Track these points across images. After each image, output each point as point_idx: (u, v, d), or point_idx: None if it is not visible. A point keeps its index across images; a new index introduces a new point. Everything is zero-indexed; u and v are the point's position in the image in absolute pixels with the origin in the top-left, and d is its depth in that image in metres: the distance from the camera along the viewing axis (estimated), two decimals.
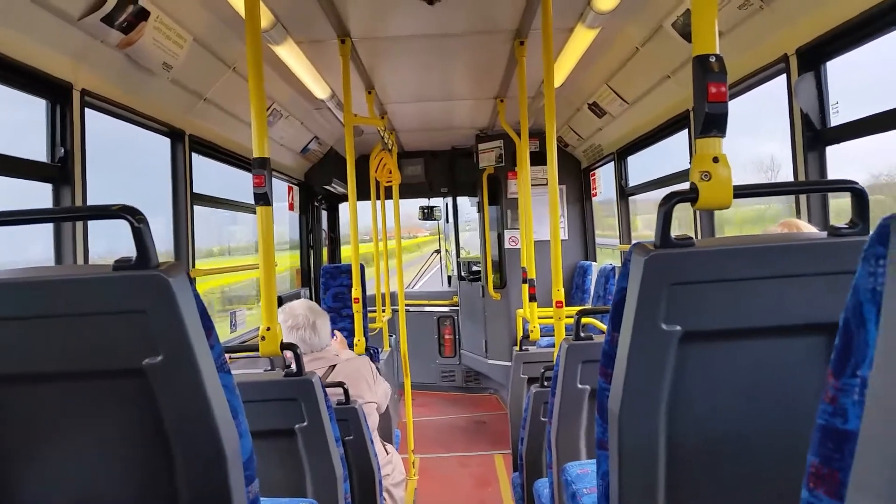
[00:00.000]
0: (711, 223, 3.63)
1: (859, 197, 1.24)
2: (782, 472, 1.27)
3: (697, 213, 3.59)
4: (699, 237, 3.61)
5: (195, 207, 3.72)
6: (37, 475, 1.17)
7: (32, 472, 1.17)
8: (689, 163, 3.76)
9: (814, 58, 2.54)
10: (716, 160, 1.33)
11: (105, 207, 1.14)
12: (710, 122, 1.33)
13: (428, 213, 8.03)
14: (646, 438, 1.24)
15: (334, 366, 2.79)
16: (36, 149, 2.53)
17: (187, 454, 1.14)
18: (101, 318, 1.10)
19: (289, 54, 3.61)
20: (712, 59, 1.34)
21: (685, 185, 1.38)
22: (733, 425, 1.27)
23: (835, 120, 2.54)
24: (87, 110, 2.66)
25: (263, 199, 2.18)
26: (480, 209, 6.90)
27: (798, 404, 1.26)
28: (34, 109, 2.56)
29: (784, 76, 2.66)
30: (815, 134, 2.58)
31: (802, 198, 2.64)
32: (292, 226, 6.69)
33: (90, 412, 1.16)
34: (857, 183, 1.25)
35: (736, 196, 1.33)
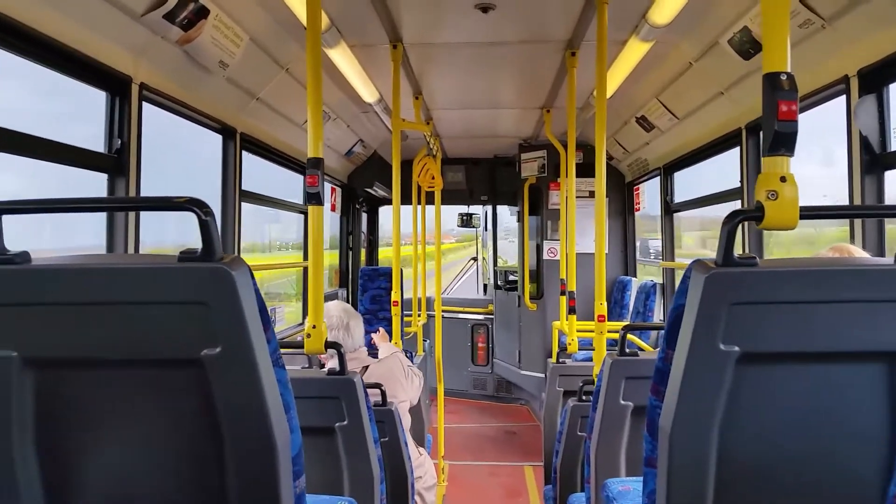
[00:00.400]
0: (760, 244, 3.56)
1: None
2: (834, 496, 1.23)
3: (746, 232, 3.52)
4: None
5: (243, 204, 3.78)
6: (90, 459, 1.19)
7: (87, 456, 1.19)
8: (739, 181, 3.68)
9: (876, 80, 2.48)
10: (783, 179, 1.30)
11: (173, 199, 1.16)
12: (779, 140, 1.30)
13: (467, 221, 8.04)
14: (696, 458, 1.22)
15: (367, 367, 2.80)
16: (78, 139, 2.60)
17: (238, 446, 1.14)
18: (164, 308, 1.12)
19: (341, 58, 3.65)
20: (783, 77, 1.31)
21: (734, 204, 1.35)
22: (786, 449, 1.23)
23: (895, 144, 2.47)
24: (144, 104, 2.73)
25: (316, 198, 2.20)
26: (520, 218, 6.87)
27: (854, 432, 1.22)
28: (80, 100, 2.62)
29: (844, 97, 2.59)
30: (873, 157, 2.50)
31: (857, 222, 2.57)
32: (332, 226, 6.76)
33: (146, 400, 1.18)
34: None
35: (802, 217, 1.29)
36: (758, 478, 1.25)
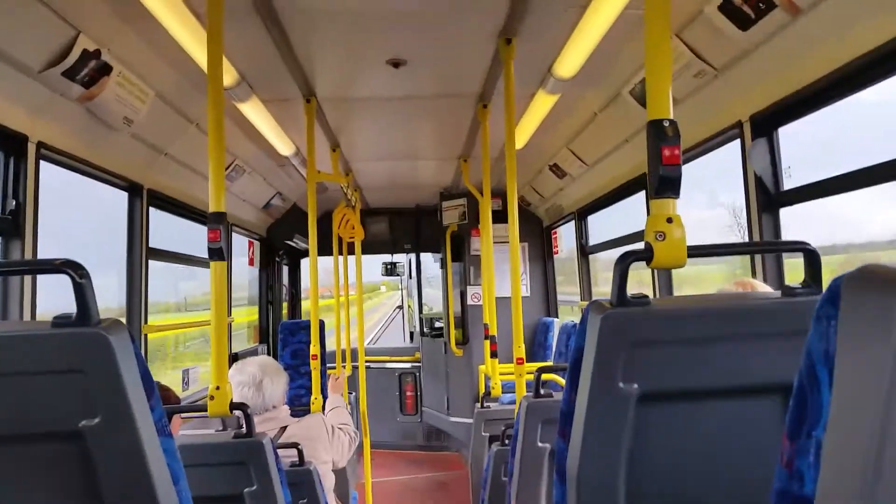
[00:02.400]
0: (669, 282, 3.69)
1: (811, 257, 1.26)
2: None
3: (656, 271, 3.65)
4: (658, 295, 3.67)
5: (151, 262, 3.65)
6: None
7: None
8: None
9: (767, 124, 2.64)
10: (670, 220, 1.36)
11: (47, 262, 1.10)
12: (664, 184, 1.36)
13: (391, 269, 8.01)
14: (605, 500, 1.22)
15: (285, 427, 2.71)
16: None
17: None
18: (37, 378, 1.05)
19: (253, 111, 3.62)
20: (666, 124, 1.38)
21: (642, 245, 1.40)
22: (693, 485, 1.25)
23: (787, 184, 2.63)
24: (42, 163, 2.61)
25: (218, 254, 2.14)
26: (443, 265, 6.90)
27: (757, 465, 1.25)
28: None
29: (738, 141, 2.76)
30: (768, 197, 2.66)
31: (758, 258, 2.71)
32: (252, 281, 6.59)
33: (21, 479, 1.09)
34: (809, 244, 1.28)
35: (690, 255, 1.35)
36: None
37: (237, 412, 2.08)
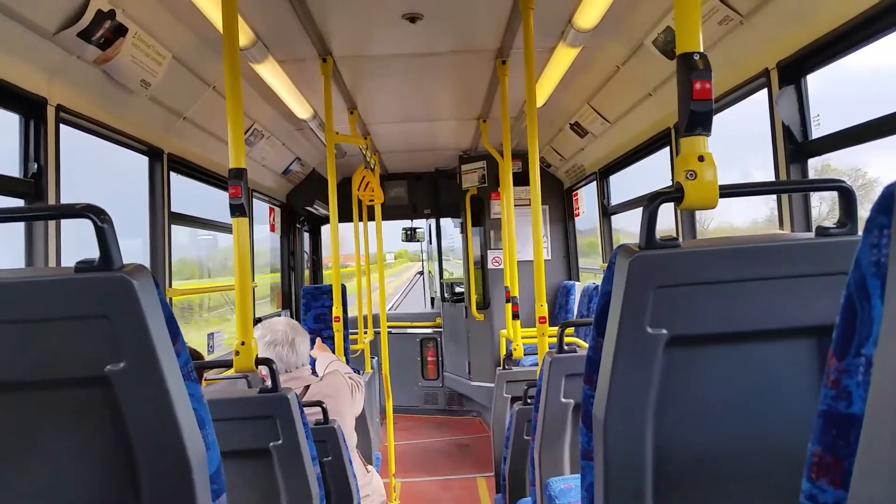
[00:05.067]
0: (693, 230, 3.63)
1: (847, 196, 1.22)
2: (772, 476, 1.24)
3: (679, 218, 3.57)
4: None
5: (174, 227, 3.66)
6: None
7: None
8: (671, 180, 3.75)
9: (794, 71, 2.56)
10: (701, 159, 1.31)
11: (68, 206, 1.09)
12: (695, 119, 1.31)
13: (410, 235, 8.01)
14: (632, 445, 1.20)
15: (308, 386, 2.72)
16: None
17: (152, 466, 1.08)
18: (62, 324, 1.05)
19: (270, 73, 3.59)
20: (696, 57, 1.33)
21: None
22: (722, 430, 1.24)
23: (816, 132, 2.55)
24: (62, 126, 2.62)
25: (240, 210, 2.13)
26: (463, 230, 6.88)
27: (786, 409, 1.23)
28: None
29: (766, 90, 2.68)
30: (796, 146, 2.59)
31: (785, 207, 2.64)
32: (273, 248, 6.63)
33: (49, 425, 1.09)
34: (844, 181, 1.24)
35: (722, 195, 1.31)
36: (696, 461, 1.25)
37: (262, 368, 2.08)
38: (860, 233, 0.62)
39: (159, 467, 1.09)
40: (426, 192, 7.38)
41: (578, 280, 6.34)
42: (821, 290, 1.17)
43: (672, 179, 3.67)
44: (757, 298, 1.18)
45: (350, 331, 5.16)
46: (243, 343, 2.08)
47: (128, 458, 1.08)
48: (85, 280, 1.04)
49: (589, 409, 1.31)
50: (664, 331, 1.17)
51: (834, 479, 0.62)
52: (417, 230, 8.09)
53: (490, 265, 6.51)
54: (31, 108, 2.49)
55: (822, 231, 1.22)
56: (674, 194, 1.29)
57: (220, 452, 1.23)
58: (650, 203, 1.21)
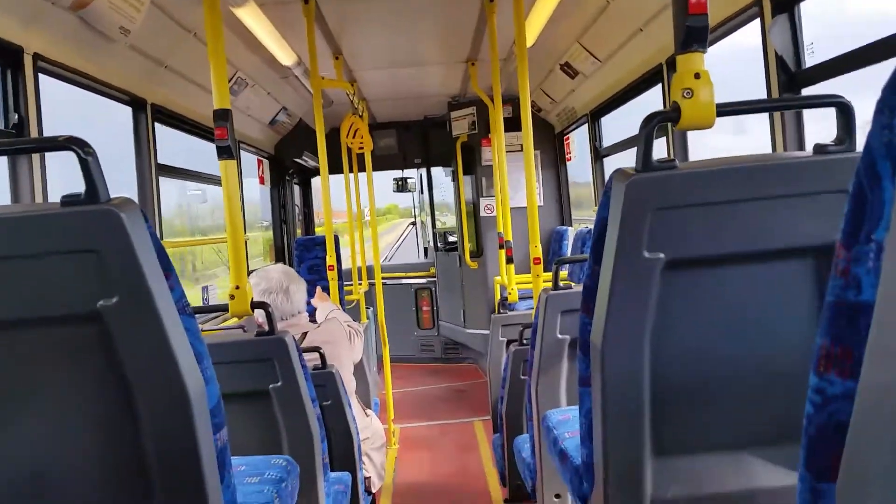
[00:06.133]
0: (685, 150, 3.60)
1: (845, 112, 1.20)
2: (769, 398, 1.25)
3: (671, 144, 3.54)
4: None
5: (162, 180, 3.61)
6: None
7: None
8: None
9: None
10: (697, 76, 1.28)
11: (52, 138, 1.06)
12: (691, 35, 1.28)
13: (402, 185, 7.94)
14: (630, 370, 1.21)
15: (306, 333, 2.73)
16: None
17: (150, 402, 1.07)
18: (51, 259, 1.03)
19: (251, 17, 3.49)
20: None
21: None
22: (719, 353, 1.24)
23: (810, 61, 2.52)
24: (42, 77, 2.55)
25: (227, 152, 2.09)
26: (455, 178, 6.82)
27: (784, 330, 1.24)
28: None
29: (758, 20, 2.63)
30: (790, 76, 2.55)
31: (778, 132, 2.61)
32: (264, 203, 6.57)
33: (43, 364, 1.08)
34: (842, 97, 1.22)
35: (719, 114, 1.28)
36: (694, 384, 1.26)
37: (259, 313, 2.08)
38: (859, 149, 0.60)
39: (158, 403, 1.08)
40: (416, 141, 7.29)
41: (571, 225, 6.33)
42: (819, 210, 1.17)
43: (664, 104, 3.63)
44: (755, 219, 1.18)
45: (344, 282, 5.16)
46: (238, 287, 2.07)
47: (127, 395, 1.08)
48: (71, 214, 1.02)
49: (587, 336, 1.32)
50: (661, 255, 1.17)
51: (843, 371, 0.61)
52: (409, 180, 8.02)
53: (483, 213, 6.49)
54: (7, 58, 2.42)
55: (820, 149, 1.20)
56: (670, 114, 1.27)
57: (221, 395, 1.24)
58: (647, 124, 1.19)
